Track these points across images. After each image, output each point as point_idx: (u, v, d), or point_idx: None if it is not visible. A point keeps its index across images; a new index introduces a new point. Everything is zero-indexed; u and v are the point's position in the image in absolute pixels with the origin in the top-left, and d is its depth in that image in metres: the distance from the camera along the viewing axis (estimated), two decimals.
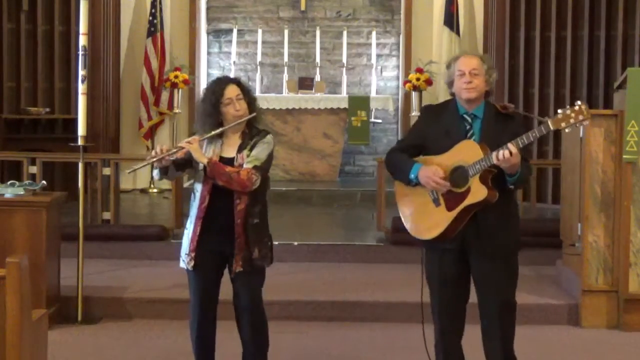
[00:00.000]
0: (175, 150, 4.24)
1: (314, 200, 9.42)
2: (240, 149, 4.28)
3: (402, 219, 4.30)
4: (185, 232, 4.39)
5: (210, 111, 4.23)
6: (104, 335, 5.68)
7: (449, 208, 4.08)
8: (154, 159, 4.21)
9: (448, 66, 4.23)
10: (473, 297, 4.30)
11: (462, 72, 4.12)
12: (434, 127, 4.21)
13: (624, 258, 5.84)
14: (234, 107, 4.23)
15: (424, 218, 4.18)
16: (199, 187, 4.30)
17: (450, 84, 4.22)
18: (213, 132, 4.24)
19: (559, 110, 3.90)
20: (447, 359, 4.32)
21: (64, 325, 5.79)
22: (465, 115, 4.17)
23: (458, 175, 4.06)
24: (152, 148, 10.03)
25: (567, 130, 3.92)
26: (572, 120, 3.85)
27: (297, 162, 10.27)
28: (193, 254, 4.31)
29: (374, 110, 10.57)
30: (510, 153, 3.89)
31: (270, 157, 4.33)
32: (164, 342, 5.56)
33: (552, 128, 3.89)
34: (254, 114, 4.31)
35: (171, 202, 7.62)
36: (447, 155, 4.11)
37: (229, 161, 4.28)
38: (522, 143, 3.92)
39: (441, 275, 4.22)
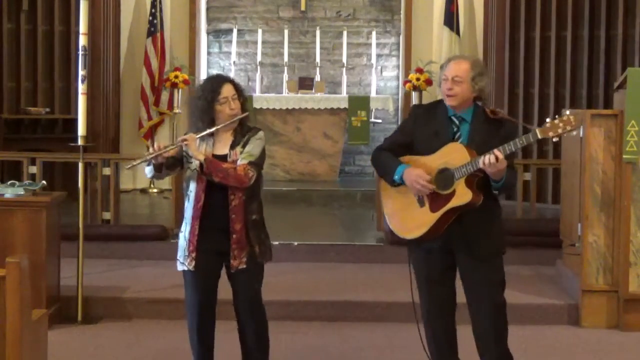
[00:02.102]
0: (172, 146, 4.27)
1: (314, 200, 9.42)
2: (233, 146, 4.31)
3: (386, 217, 4.33)
4: (181, 234, 4.41)
5: (206, 108, 4.26)
6: (104, 335, 5.68)
7: (433, 209, 4.10)
8: (152, 155, 4.25)
9: (441, 67, 4.23)
10: (461, 297, 4.32)
11: (445, 78, 4.13)
12: (423, 127, 4.21)
13: (624, 258, 5.84)
14: (229, 106, 4.28)
15: (408, 218, 4.20)
16: (193, 187, 4.32)
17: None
18: (209, 130, 4.26)
19: (547, 120, 3.91)
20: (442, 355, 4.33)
21: (64, 325, 5.79)
22: (453, 118, 4.17)
23: (444, 177, 4.07)
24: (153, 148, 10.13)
25: (554, 139, 3.93)
26: (559, 130, 3.87)
27: (297, 162, 10.27)
28: (194, 254, 4.32)
29: (374, 110, 10.57)
30: (497, 159, 3.90)
31: (263, 152, 4.35)
32: (164, 342, 5.57)
33: (539, 136, 3.90)
34: (247, 114, 4.36)
35: (171, 202, 7.62)
36: (434, 156, 4.12)
37: (222, 158, 4.31)
38: (509, 150, 3.93)
39: (428, 273, 4.25)
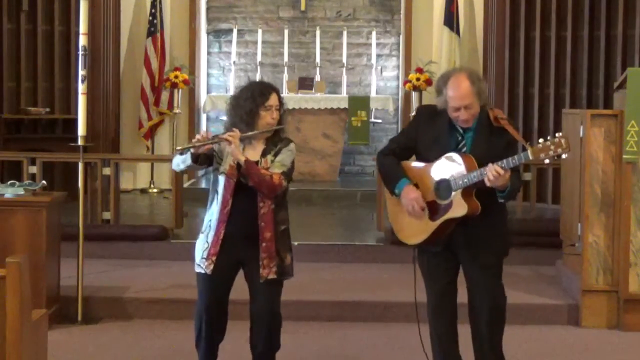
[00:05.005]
0: (217, 139, 4.24)
1: (314, 200, 9.43)
2: (264, 154, 4.31)
3: (390, 221, 4.39)
4: (202, 235, 4.36)
5: (254, 111, 4.26)
6: (104, 335, 5.67)
7: (433, 218, 4.15)
8: (201, 143, 4.21)
9: (439, 91, 4.14)
10: (461, 298, 4.36)
11: (456, 108, 4.07)
12: (425, 132, 4.22)
13: (624, 258, 5.83)
14: (272, 115, 4.30)
15: (408, 224, 4.25)
16: (220, 190, 4.30)
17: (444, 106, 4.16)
18: (253, 132, 4.26)
19: (540, 140, 3.93)
20: (446, 355, 4.36)
21: (64, 325, 5.79)
22: (457, 126, 4.16)
23: (443, 188, 4.10)
24: (152, 148, 10.15)
25: (545, 161, 3.95)
26: (550, 152, 3.89)
27: (297, 162, 10.21)
28: (214, 258, 4.28)
29: (374, 110, 10.58)
30: (499, 174, 3.91)
31: (293, 164, 4.37)
32: (164, 342, 5.56)
33: (531, 158, 3.93)
34: (283, 126, 4.39)
35: (171, 202, 7.62)
36: (432, 166, 4.15)
37: None
38: (504, 167, 3.93)
39: (431, 272, 4.31)
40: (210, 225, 4.33)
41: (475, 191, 4.05)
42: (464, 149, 4.12)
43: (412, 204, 4.14)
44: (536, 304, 6.04)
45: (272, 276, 4.28)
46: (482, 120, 4.13)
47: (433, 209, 4.13)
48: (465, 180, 4.01)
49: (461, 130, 4.15)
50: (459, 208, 4.05)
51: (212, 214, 4.33)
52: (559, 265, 6.65)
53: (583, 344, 5.66)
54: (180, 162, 4.33)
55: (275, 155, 4.31)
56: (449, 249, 4.22)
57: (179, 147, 4.34)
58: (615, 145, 5.87)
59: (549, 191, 8.95)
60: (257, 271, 4.28)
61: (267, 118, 4.28)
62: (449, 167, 4.08)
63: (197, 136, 4.31)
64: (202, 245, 4.34)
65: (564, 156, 3.92)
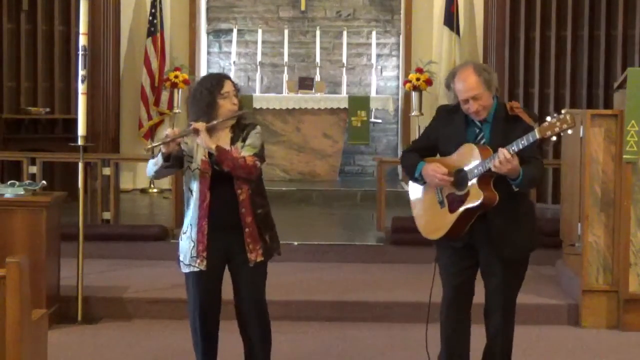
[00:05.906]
0: (186, 131, 4.26)
1: (314, 200, 9.43)
2: (233, 142, 4.32)
3: (415, 220, 4.39)
4: (183, 236, 4.38)
5: (211, 101, 4.27)
6: (104, 335, 5.68)
7: (451, 210, 4.15)
8: (170, 139, 4.22)
9: (448, 86, 4.22)
10: (477, 298, 4.36)
11: (465, 100, 4.13)
12: (444, 129, 4.27)
13: (624, 258, 5.84)
14: (231, 101, 4.32)
15: (431, 219, 4.27)
16: (195, 187, 4.31)
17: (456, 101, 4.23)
18: (217, 121, 4.26)
19: (547, 118, 3.93)
20: (451, 353, 4.36)
21: (64, 325, 5.79)
22: (475, 120, 4.19)
23: (459, 178, 4.13)
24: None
25: (553, 138, 3.95)
26: (557, 129, 3.89)
27: (297, 162, 10.27)
28: (204, 254, 4.30)
29: (374, 110, 10.58)
30: (505, 158, 3.91)
31: (263, 145, 4.39)
32: (164, 342, 5.57)
33: (537, 136, 3.92)
34: (247, 111, 4.45)
35: (171, 202, 7.63)
36: (450, 158, 4.18)
37: None
38: (513, 150, 3.95)
39: (450, 269, 4.31)
40: (190, 224, 4.34)
41: (496, 184, 4.05)
42: (483, 141, 4.15)
43: (434, 174, 4.15)
44: (536, 304, 6.03)
45: (259, 258, 4.32)
46: (499, 111, 4.17)
47: (452, 201, 4.15)
48: (480, 168, 4.02)
49: (479, 123, 4.18)
50: (474, 197, 4.05)
51: (190, 213, 4.34)
52: (559, 265, 6.65)
53: (583, 344, 5.66)
54: (152, 165, 4.33)
55: (244, 140, 4.32)
56: (469, 246, 4.23)
57: (148, 146, 4.36)
58: (615, 145, 5.87)
59: (549, 191, 8.95)
60: (245, 260, 4.30)
61: (227, 105, 4.30)
62: (466, 158, 4.10)
63: (165, 133, 4.32)
64: (188, 245, 4.35)
65: (569, 132, 3.90)
